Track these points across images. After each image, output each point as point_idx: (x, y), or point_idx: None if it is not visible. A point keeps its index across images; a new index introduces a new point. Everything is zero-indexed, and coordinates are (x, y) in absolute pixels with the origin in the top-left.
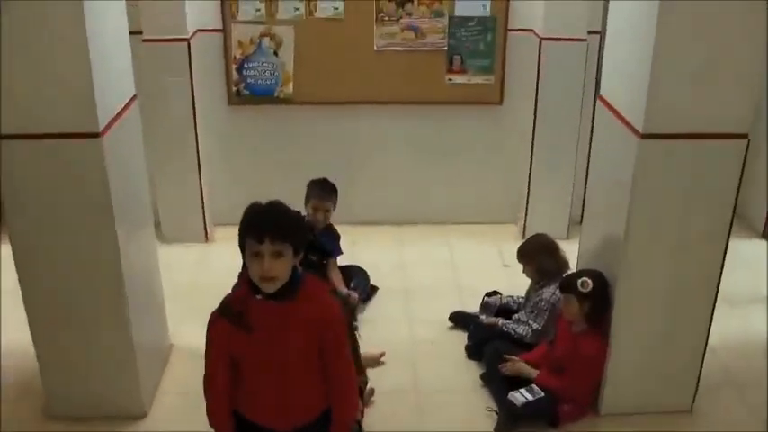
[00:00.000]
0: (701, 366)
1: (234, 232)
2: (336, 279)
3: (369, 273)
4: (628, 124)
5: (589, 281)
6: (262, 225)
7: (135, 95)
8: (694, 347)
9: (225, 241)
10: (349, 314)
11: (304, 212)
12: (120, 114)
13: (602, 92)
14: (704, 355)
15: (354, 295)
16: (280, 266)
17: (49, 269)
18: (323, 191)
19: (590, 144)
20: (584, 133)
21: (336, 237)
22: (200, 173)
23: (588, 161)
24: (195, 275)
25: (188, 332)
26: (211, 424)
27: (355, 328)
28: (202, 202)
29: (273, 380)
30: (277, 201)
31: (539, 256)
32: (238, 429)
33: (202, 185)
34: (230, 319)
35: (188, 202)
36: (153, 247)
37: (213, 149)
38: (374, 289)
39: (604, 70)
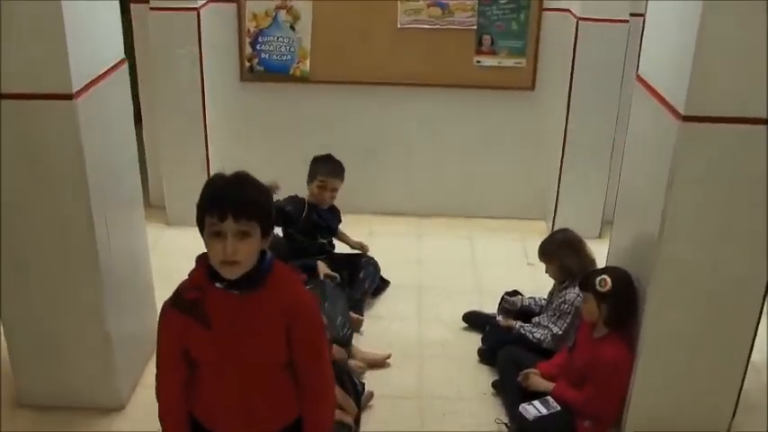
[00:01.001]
0: (742, 383)
1: None
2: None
3: (382, 266)
4: (668, 105)
5: (608, 279)
6: (224, 200)
7: (124, 59)
8: (735, 361)
9: None
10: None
11: (306, 191)
12: (101, 78)
13: (641, 71)
14: (746, 370)
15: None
16: (245, 249)
17: (17, 247)
18: (333, 167)
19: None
20: (622, 124)
21: (339, 217)
22: (207, 152)
23: (624, 150)
24: None
25: None
26: (164, 431)
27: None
28: None
29: (236, 383)
30: (243, 172)
31: (561, 253)
32: None
33: (210, 165)
34: (184, 310)
35: (195, 184)
36: (141, 229)
37: (223, 128)
38: (385, 283)
39: (644, 46)
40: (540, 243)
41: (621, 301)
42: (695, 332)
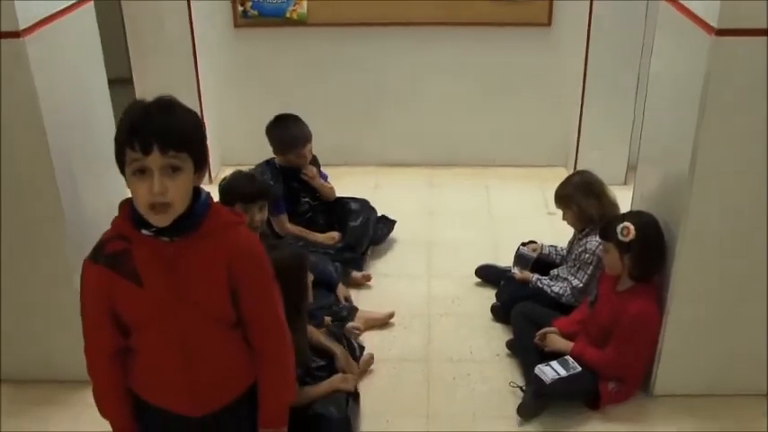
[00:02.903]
0: None
1: None
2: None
3: (390, 219)
4: (698, 20)
5: (631, 227)
6: (147, 129)
7: None
8: None
9: None
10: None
11: (275, 158)
12: (58, 15)
13: None
14: None
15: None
16: (176, 187)
17: None
18: (302, 131)
19: None
20: (646, 59)
21: (318, 166)
22: (201, 106)
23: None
24: None
25: None
26: (101, 411)
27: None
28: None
29: (177, 348)
30: (168, 96)
31: (579, 197)
32: (138, 416)
33: (205, 121)
34: (108, 265)
35: None
36: (119, 191)
37: (217, 80)
38: (389, 224)
39: None
40: (556, 188)
41: (647, 251)
42: (733, 281)
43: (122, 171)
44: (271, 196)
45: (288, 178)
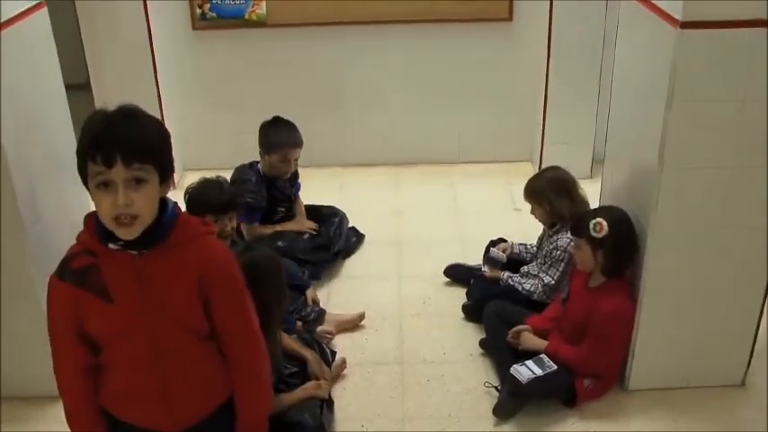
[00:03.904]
0: (758, 329)
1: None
2: (300, 209)
3: (356, 221)
4: (662, 13)
5: (603, 222)
6: (110, 141)
7: (40, 4)
8: (748, 305)
9: None
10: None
11: (259, 163)
12: (14, 20)
13: None
14: (762, 314)
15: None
16: (141, 199)
17: None
18: (293, 135)
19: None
20: (608, 53)
21: (298, 181)
22: (162, 111)
23: (612, 76)
24: None
25: None
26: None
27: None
28: None
29: (150, 363)
30: (131, 105)
31: (551, 194)
32: None
33: (166, 125)
34: (75, 282)
35: None
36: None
37: (177, 83)
38: (359, 236)
39: None
40: (527, 182)
41: (620, 247)
42: (704, 274)
43: (85, 183)
44: (246, 204)
45: (269, 186)
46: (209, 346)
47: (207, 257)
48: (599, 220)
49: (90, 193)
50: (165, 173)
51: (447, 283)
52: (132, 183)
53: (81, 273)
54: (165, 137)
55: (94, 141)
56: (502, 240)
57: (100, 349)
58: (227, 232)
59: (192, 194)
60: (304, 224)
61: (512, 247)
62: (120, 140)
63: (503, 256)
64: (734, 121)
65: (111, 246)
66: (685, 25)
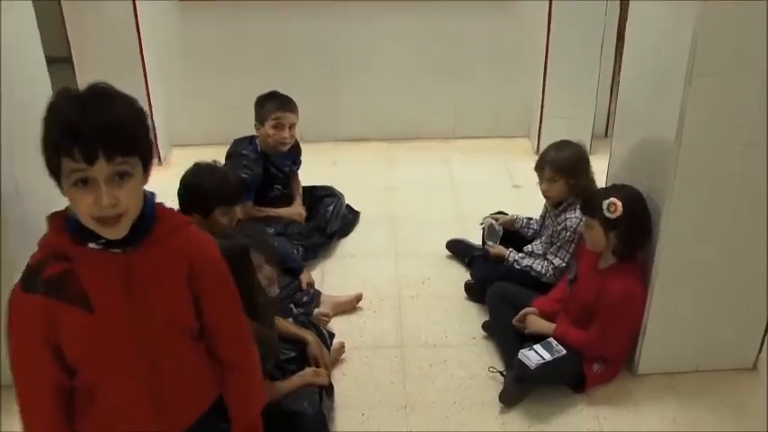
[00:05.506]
0: None
1: (196, 153)
2: (297, 189)
3: (350, 198)
4: None
5: (618, 203)
6: (88, 132)
7: None
8: (760, 290)
9: (184, 166)
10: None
11: (257, 138)
12: None
13: None
14: None
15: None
16: (127, 195)
17: None
18: (284, 100)
19: (618, 36)
20: (611, 27)
21: (299, 158)
22: (147, 86)
23: (617, 49)
24: None
25: None
26: None
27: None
28: (152, 122)
29: (141, 372)
30: (102, 84)
31: (577, 171)
32: None
33: (151, 101)
34: (47, 293)
35: None
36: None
37: (163, 57)
38: (355, 214)
39: None
40: (548, 155)
41: (634, 228)
42: (718, 257)
43: (57, 180)
44: (241, 180)
45: (265, 162)
46: (199, 347)
47: (195, 247)
48: (613, 199)
49: (62, 191)
50: (148, 162)
51: (446, 263)
52: (115, 178)
53: (55, 282)
54: (143, 119)
55: (70, 132)
56: (502, 213)
57: (75, 372)
58: (233, 223)
59: (195, 186)
60: (298, 212)
61: (516, 220)
62: (100, 131)
63: (500, 228)
64: (756, 96)
65: (92, 245)
66: None
